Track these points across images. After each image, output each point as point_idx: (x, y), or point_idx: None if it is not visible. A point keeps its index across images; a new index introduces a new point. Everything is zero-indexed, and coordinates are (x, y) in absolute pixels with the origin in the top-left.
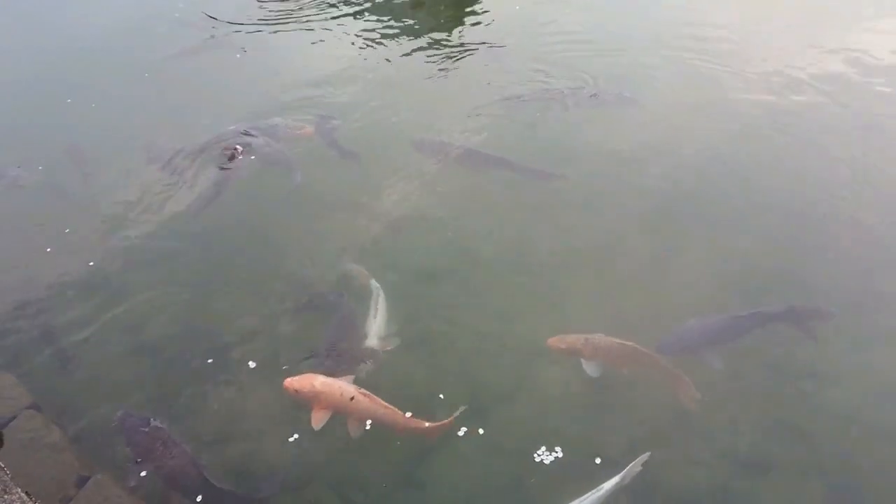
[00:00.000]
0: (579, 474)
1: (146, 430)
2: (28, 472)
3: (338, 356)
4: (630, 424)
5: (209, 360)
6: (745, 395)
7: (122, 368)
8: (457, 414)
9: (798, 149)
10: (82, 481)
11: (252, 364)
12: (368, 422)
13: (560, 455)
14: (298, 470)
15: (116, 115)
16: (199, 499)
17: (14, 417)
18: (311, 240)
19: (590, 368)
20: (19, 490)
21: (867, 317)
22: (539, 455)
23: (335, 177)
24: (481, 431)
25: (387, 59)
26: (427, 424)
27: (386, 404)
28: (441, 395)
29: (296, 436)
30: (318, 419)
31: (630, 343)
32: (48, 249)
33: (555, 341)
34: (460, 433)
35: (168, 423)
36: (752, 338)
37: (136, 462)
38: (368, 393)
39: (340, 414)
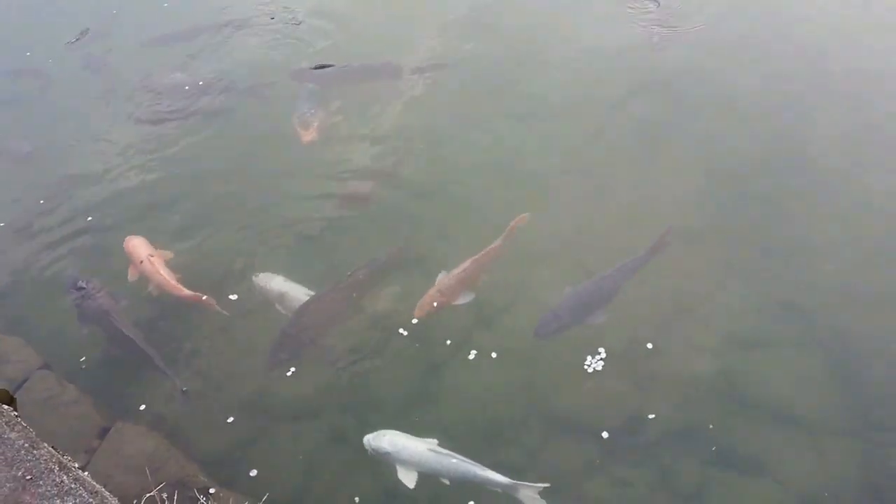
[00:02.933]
0: (586, 375)
1: (75, 290)
2: (50, 429)
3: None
4: (633, 319)
5: (203, 297)
6: (740, 277)
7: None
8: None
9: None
10: (104, 432)
11: (233, 297)
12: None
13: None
14: (310, 397)
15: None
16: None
17: (27, 379)
18: (290, 173)
19: (464, 300)
20: (46, 445)
21: (849, 189)
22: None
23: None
24: (488, 343)
25: None
26: (191, 294)
27: (166, 276)
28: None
29: (293, 370)
30: (130, 274)
31: (466, 262)
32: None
33: (419, 312)
34: (471, 356)
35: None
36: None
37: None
38: (156, 262)
39: (142, 275)
